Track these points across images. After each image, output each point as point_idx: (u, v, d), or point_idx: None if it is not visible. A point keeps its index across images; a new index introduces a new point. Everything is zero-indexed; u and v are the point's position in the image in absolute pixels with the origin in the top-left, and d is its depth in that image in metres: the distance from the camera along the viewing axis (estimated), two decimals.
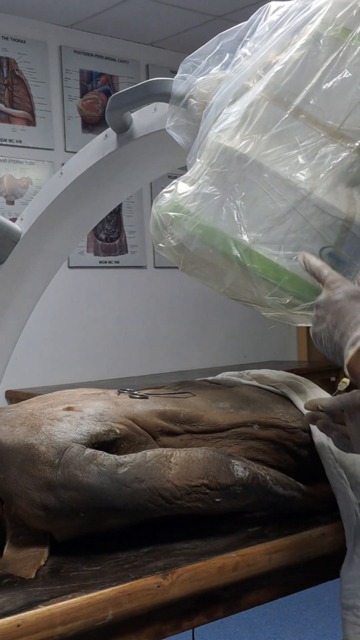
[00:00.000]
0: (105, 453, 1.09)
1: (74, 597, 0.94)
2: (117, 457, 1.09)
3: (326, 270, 1.04)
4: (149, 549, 1.09)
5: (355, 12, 1.12)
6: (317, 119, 1.11)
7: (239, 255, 1.12)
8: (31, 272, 1.78)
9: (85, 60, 4.47)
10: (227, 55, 1.24)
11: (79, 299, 4.41)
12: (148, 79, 1.81)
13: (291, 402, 1.31)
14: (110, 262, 4.54)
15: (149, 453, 1.10)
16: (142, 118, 1.48)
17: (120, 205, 4.47)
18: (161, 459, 1.10)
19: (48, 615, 0.91)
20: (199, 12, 4.23)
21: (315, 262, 1.05)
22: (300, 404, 1.28)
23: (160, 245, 1.19)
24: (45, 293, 1.87)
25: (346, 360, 0.95)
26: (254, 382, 1.39)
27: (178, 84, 1.28)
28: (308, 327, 1.08)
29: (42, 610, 0.91)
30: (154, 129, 1.45)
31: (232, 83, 1.18)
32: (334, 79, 1.11)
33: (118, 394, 1.27)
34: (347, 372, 0.96)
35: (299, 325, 1.20)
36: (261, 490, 1.13)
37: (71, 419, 1.13)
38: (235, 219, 1.12)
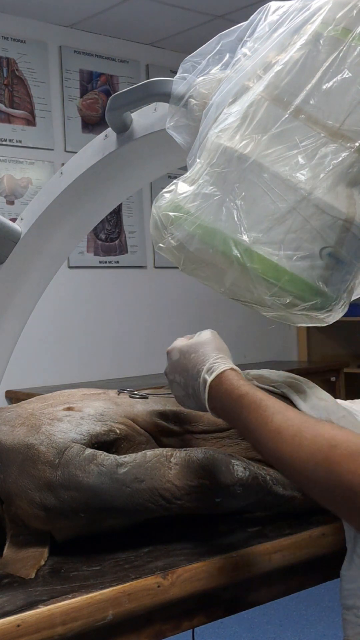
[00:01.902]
0: (105, 453, 1.09)
1: (74, 597, 0.94)
2: (117, 457, 1.09)
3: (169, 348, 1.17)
4: (149, 549, 1.09)
5: (355, 12, 1.12)
6: (317, 119, 1.11)
7: (239, 255, 1.12)
8: (31, 272, 1.78)
9: (85, 60, 4.47)
10: (227, 55, 1.24)
11: (79, 299, 4.41)
12: (148, 79, 1.81)
13: (291, 402, 1.31)
14: (110, 262, 4.54)
15: (149, 453, 1.10)
16: (142, 118, 1.48)
17: (120, 205, 4.47)
18: (161, 459, 1.09)
19: (48, 615, 0.91)
20: (199, 12, 4.23)
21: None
22: (301, 403, 1.28)
23: (160, 245, 1.19)
24: (45, 293, 1.87)
25: (206, 405, 1.05)
26: (254, 382, 1.39)
27: (178, 84, 1.27)
28: (308, 327, 1.10)
29: (42, 610, 0.91)
30: (154, 129, 1.45)
31: (232, 83, 1.18)
32: (334, 79, 1.11)
33: (118, 394, 1.27)
34: (211, 413, 1.06)
35: (299, 325, 1.20)
36: (261, 490, 1.13)
37: (71, 419, 1.13)
38: (235, 219, 1.12)
